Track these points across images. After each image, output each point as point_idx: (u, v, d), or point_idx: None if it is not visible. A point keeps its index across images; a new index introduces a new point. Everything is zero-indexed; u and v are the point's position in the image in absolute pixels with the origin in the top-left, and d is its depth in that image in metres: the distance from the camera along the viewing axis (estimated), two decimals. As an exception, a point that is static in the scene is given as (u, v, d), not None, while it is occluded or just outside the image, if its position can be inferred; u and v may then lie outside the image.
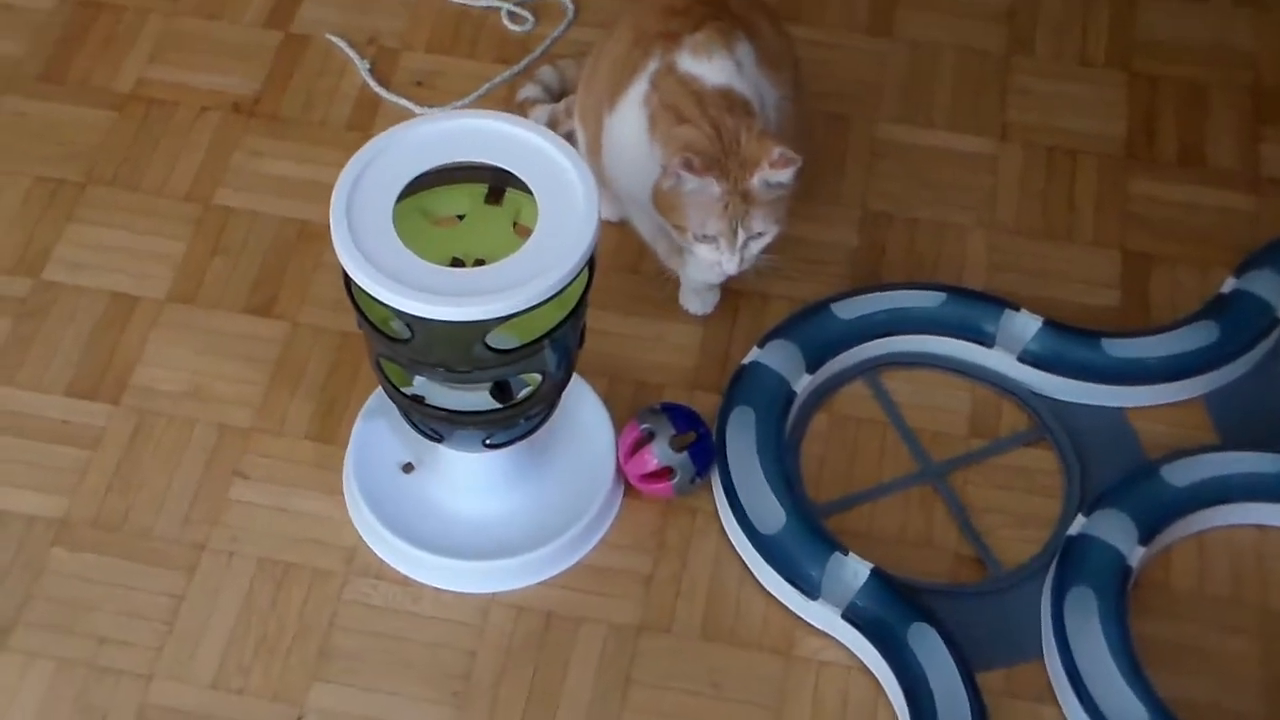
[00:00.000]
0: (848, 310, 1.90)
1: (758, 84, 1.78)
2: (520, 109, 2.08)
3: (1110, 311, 1.96)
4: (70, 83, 2.15)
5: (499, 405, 1.65)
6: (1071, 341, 1.88)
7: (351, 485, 1.78)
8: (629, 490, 1.80)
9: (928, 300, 1.91)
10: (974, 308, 1.90)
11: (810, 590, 1.69)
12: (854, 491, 1.82)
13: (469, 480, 1.77)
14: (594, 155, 1.88)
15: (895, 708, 1.65)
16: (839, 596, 1.69)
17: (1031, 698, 1.67)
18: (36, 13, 2.23)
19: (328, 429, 1.84)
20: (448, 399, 1.64)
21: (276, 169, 2.07)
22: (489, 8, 2.26)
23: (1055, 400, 1.87)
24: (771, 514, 1.74)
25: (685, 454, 1.75)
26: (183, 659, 1.68)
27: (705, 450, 1.77)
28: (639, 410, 1.80)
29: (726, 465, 1.77)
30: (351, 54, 2.19)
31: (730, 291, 1.95)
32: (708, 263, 1.77)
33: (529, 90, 2.11)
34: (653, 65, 1.79)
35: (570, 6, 2.26)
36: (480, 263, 1.59)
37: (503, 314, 1.49)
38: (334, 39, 2.21)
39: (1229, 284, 1.93)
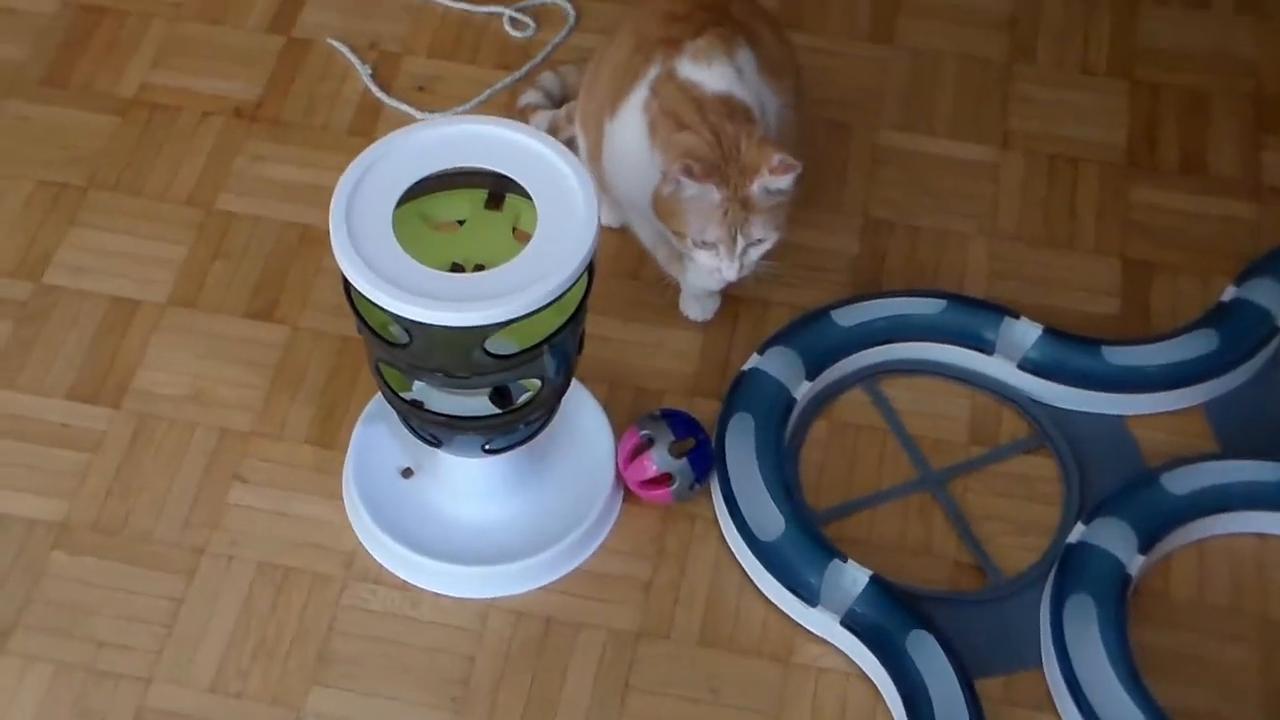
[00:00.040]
0: (848, 317, 1.90)
1: (759, 91, 1.78)
2: (521, 115, 2.08)
3: (1111, 319, 1.96)
4: (73, 87, 2.16)
5: (498, 410, 1.65)
6: (1072, 349, 1.87)
7: (351, 490, 1.78)
8: (628, 496, 1.80)
9: (928, 307, 1.91)
10: (974, 315, 1.90)
11: (809, 597, 1.69)
12: (853, 498, 1.82)
13: (468, 485, 1.77)
14: (595, 161, 1.88)
15: (894, 715, 1.65)
16: (838, 603, 1.69)
17: (1030, 706, 1.67)
18: (39, 17, 2.23)
19: (328, 433, 1.85)
20: (447, 404, 1.64)
21: (278, 174, 2.08)
22: (491, 13, 2.26)
23: (1055, 408, 1.87)
24: (771, 521, 1.74)
25: (684, 460, 1.75)
26: (182, 663, 1.68)
27: (704, 457, 1.77)
28: (638, 416, 1.80)
29: (726, 472, 1.77)
30: (353, 59, 2.19)
31: (730, 298, 1.95)
32: (707, 269, 1.77)
33: (530, 96, 2.11)
34: (653, 71, 1.79)
35: (572, 12, 2.26)
36: (480, 268, 1.60)
37: (501, 319, 1.49)
38: (336, 44, 2.21)
39: (1229, 292, 1.93)
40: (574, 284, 1.53)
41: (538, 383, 1.62)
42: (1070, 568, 1.70)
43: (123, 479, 1.81)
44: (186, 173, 2.07)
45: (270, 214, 2.04)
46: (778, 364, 1.85)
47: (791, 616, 1.71)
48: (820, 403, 1.88)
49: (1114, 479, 1.79)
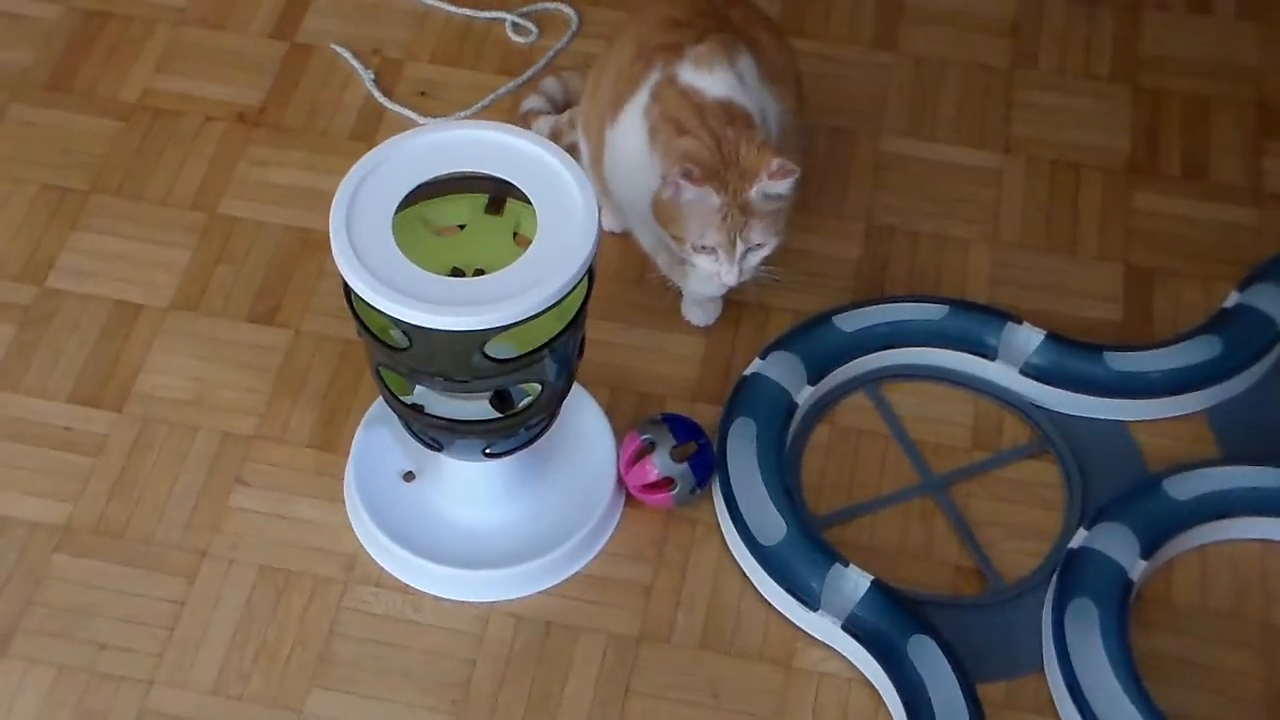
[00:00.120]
0: (850, 322, 1.90)
1: (759, 97, 1.78)
2: (524, 120, 2.08)
3: (1113, 325, 1.96)
4: (76, 92, 2.16)
5: (499, 414, 1.65)
6: (1074, 355, 1.87)
7: (352, 493, 1.78)
8: (629, 500, 1.80)
9: (930, 313, 1.91)
10: (976, 320, 1.90)
11: (810, 601, 1.69)
12: (855, 503, 1.81)
13: (469, 489, 1.77)
14: (597, 167, 1.88)
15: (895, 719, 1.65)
16: (839, 608, 1.69)
17: (1032, 711, 1.67)
18: (43, 22, 2.24)
19: (329, 437, 1.85)
20: (448, 408, 1.65)
21: (281, 178, 2.08)
22: (493, 19, 2.26)
23: (1057, 413, 1.87)
24: (772, 525, 1.74)
25: (686, 465, 1.75)
26: (183, 665, 1.68)
27: (706, 461, 1.77)
28: (640, 421, 1.80)
29: (727, 476, 1.77)
30: (356, 64, 2.20)
31: (732, 303, 1.95)
32: (707, 274, 1.78)
33: (532, 102, 2.11)
34: (654, 77, 1.79)
35: (574, 18, 2.26)
36: (480, 273, 1.60)
37: (501, 324, 1.49)
38: (338, 49, 2.22)
39: (1232, 298, 1.93)
40: (574, 289, 1.53)
41: (538, 387, 1.62)
42: (1072, 573, 1.70)
43: (125, 482, 1.81)
44: (189, 177, 2.08)
45: (273, 218, 2.04)
46: (780, 369, 1.85)
47: (793, 621, 1.71)
48: (822, 407, 1.88)
49: (1116, 484, 1.79)
